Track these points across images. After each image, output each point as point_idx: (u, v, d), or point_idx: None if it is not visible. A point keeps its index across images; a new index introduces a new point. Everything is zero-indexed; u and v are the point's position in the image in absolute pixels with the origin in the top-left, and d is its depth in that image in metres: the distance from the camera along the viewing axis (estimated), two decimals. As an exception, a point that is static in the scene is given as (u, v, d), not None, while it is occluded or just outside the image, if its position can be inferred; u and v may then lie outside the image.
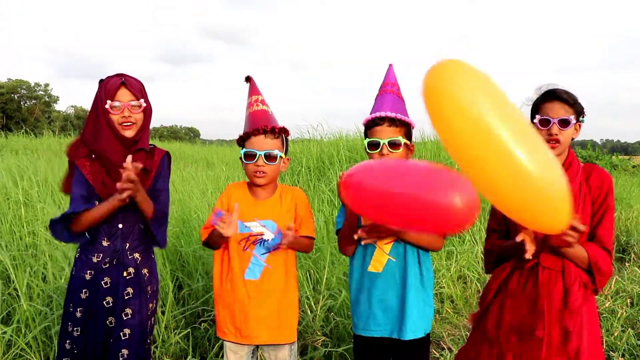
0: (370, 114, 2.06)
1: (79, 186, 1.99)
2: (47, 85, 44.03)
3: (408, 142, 2.04)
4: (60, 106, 43.62)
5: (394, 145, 1.99)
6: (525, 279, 1.97)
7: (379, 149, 1.99)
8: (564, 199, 1.54)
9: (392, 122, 2.00)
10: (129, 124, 1.96)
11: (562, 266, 1.90)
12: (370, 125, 2.04)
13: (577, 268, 1.89)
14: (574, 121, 1.91)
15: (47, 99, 43.93)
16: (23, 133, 13.48)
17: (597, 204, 1.91)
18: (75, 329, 1.99)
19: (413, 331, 2.02)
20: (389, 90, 2.08)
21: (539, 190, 1.48)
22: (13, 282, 3.16)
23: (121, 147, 1.97)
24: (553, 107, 1.92)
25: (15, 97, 41.68)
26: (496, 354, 1.95)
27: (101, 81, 2.01)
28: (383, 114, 2.01)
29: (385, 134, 1.99)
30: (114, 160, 1.95)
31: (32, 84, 43.27)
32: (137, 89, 1.99)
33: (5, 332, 2.77)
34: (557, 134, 1.90)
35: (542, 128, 1.93)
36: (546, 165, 1.51)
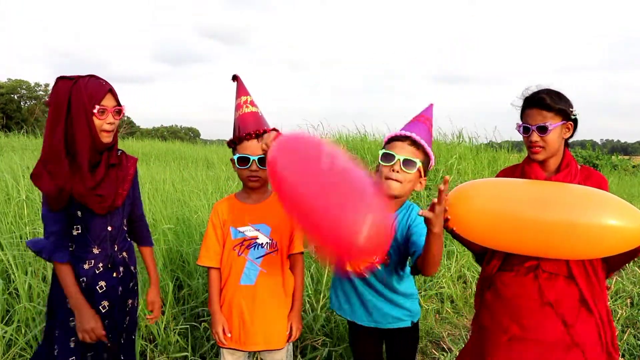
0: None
1: (58, 218, 1.92)
2: (47, 85, 43.97)
3: (422, 171, 1.96)
4: (61, 106, 43.37)
5: (408, 164, 1.90)
6: (520, 279, 1.96)
7: (392, 163, 1.90)
8: (621, 215, 1.68)
9: (414, 143, 1.94)
10: (111, 129, 1.94)
11: (569, 271, 1.89)
12: (391, 140, 1.98)
13: (589, 273, 1.89)
14: (552, 126, 1.88)
15: (47, 99, 43.89)
16: (23, 133, 13.49)
17: None
18: (71, 339, 1.96)
19: (398, 322, 2.07)
20: (422, 120, 2.03)
21: (600, 231, 1.68)
22: (13, 281, 3.16)
23: (95, 153, 1.94)
24: (531, 114, 1.92)
25: (15, 97, 41.66)
26: (491, 337, 1.96)
27: (62, 78, 1.94)
28: (409, 133, 1.95)
29: (403, 152, 1.91)
30: (86, 164, 1.92)
31: (32, 84, 43.28)
32: (117, 95, 1.98)
33: (5, 332, 2.78)
34: (537, 141, 1.90)
35: (524, 135, 1.95)
36: (581, 208, 1.71)
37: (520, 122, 1.97)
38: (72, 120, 1.89)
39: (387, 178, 1.92)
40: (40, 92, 43.74)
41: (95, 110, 1.89)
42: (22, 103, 42.41)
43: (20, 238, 3.82)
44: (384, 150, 1.96)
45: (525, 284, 1.95)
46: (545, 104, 1.89)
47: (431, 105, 2.11)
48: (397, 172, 1.90)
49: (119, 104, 1.97)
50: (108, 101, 1.93)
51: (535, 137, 1.90)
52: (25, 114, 39.64)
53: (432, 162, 2.02)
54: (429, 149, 1.98)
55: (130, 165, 2.09)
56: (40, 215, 4.34)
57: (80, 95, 1.89)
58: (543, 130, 1.89)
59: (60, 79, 1.94)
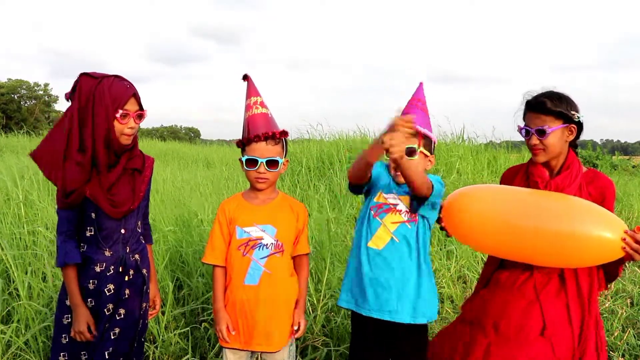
0: None
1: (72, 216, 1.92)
2: (46, 85, 43.97)
3: (427, 153, 2.12)
4: (60, 106, 43.49)
5: (410, 152, 2.05)
6: (517, 275, 1.99)
7: None
8: (603, 226, 1.73)
9: (412, 133, 2.05)
10: (132, 133, 1.93)
11: (561, 271, 1.92)
12: None
13: (581, 272, 1.91)
14: (550, 129, 1.91)
15: (47, 99, 43.90)
16: (23, 133, 13.48)
17: None
18: (63, 335, 1.97)
19: (409, 314, 2.06)
20: (415, 104, 2.16)
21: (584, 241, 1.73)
22: (13, 281, 3.17)
23: (113, 155, 1.93)
24: (531, 117, 1.97)
25: (15, 97, 41.66)
26: (473, 337, 2.01)
27: (85, 75, 1.90)
28: None
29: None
30: (104, 166, 1.91)
31: (32, 84, 43.26)
32: (140, 100, 1.95)
33: (4, 332, 2.78)
34: (536, 144, 1.94)
35: (525, 137, 2.00)
36: (570, 218, 1.76)
37: (522, 125, 2.01)
38: (94, 121, 1.86)
39: (395, 169, 2.06)
40: (40, 92, 43.72)
41: (118, 115, 1.87)
42: (22, 103, 42.40)
43: (20, 238, 3.82)
44: None
45: (521, 280, 1.97)
46: (544, 107, 1.92)
47: (421, 84, 2.21)
48: None
49: (141, 108, 1.95)
50: (131, 105, 1.90)
51: (534, 140, 1.94)
52: (25, 113, 39.65)
53: (435, 140, 2.16)
54: (427, 132, 2.11)
55: (148, 166, 2.08)
56: (39, 215, 4.37)
57: (103, 96, 1.85)
58: (541, 133, 1.92)
59: (84, 76, 1.90)
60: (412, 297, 2.07)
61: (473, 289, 4.26)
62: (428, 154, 2.12)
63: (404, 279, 2.06)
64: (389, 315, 2.07)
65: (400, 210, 2.09)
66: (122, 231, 1.99)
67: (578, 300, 1.89)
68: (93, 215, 1.93)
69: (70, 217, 1.92)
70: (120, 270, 1.99)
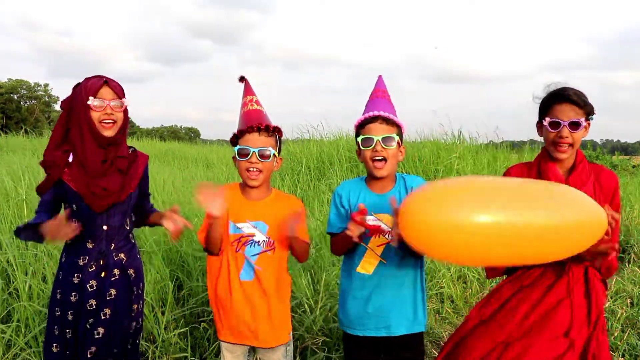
0: (363, 115, 2.09)
1: (50, 192, 2.00)
2: (46, 85, 43.99)
3: (400, 142, 2.07)
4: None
5: (387, 141, 2.01)
6: (550, 273, 1.93)
7: (373, 146, 2.00)
8: (588, 219, 1.62)
9: (385, 120, 2.03)
10: (110, 122, 1.97)
11: (584, 267, 1.90)
12: (364, 124, 2.06)
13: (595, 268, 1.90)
14: (584, 123, 1.88)
15: (47, 99, 43.90)
16: (23, 133, 13.48)
17: (607, 202, 1.86)
18: (67, 331, 2.00)
19: (405, 327, 2.04)
20: (380, 95, 2.12)
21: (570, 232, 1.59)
22: (13, 282, 3.16)
23: (98, 148, 1.97)
24: (563, 109, 1.89)
25: (15, 97, 41.64)
26: (502, 343, 1.91)
27: (77, 85, 2.02)
28: (377, 112, 2.04)
29: (379, 131, 2.02)
30: (91, 160, 1.95)
31: (32, 84, 43.25)
32: (119, 89, 2.01)
33: (5, 332, 2.78)
34: (567, 137, 1.88)
35: (552, 130, 1.91)
36: (556, 209, 1.59)
37: (547, 118, 1.92)
38: (78, 117, 1.95)
39: (373, 159, 2.01)
40: (40, 92, 43.71)
41: (89, 102, 1.93)
42: (21, 103, 42.38)
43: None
44: (362, 136, 2.05)
45: (554, 279, 1.91)
46: (577, 100, 1.87)
47: (380, 76, 2.18)
48: (381, 150, 2.00)
49: (118, 97, 1.99)
50: (105, 94, 1.96)
51: (566, 132, 1.88)
52: (25, 113, 39.62)
53: (404, 129, 2.10)
54: (398, 120, 2.07)
55: (141, 163, 2.11)
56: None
57: (80, 91, 1.96)
58: (576, 125, 1.87)
59: (76, 86, 2.02)
60: (408, 311, 2.05)
61: (473, 290, 4.27)
62: (400, 143, 2.07)
63: (399, 297, 2.03)
64: (386, 331, 2.04)
65: (384, 231, 2.02)
66: (104, 227, 2.01)
67: (596, 300, 1.87)
68: (74, 207, 1.97)
69: (45, 200, 1.99)
70: (102, 263, 2.00)
